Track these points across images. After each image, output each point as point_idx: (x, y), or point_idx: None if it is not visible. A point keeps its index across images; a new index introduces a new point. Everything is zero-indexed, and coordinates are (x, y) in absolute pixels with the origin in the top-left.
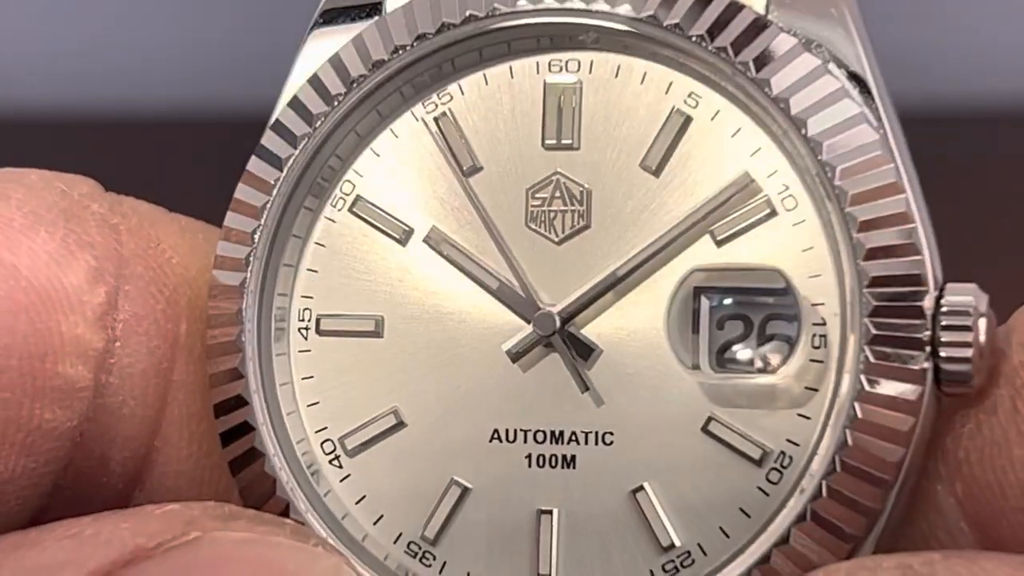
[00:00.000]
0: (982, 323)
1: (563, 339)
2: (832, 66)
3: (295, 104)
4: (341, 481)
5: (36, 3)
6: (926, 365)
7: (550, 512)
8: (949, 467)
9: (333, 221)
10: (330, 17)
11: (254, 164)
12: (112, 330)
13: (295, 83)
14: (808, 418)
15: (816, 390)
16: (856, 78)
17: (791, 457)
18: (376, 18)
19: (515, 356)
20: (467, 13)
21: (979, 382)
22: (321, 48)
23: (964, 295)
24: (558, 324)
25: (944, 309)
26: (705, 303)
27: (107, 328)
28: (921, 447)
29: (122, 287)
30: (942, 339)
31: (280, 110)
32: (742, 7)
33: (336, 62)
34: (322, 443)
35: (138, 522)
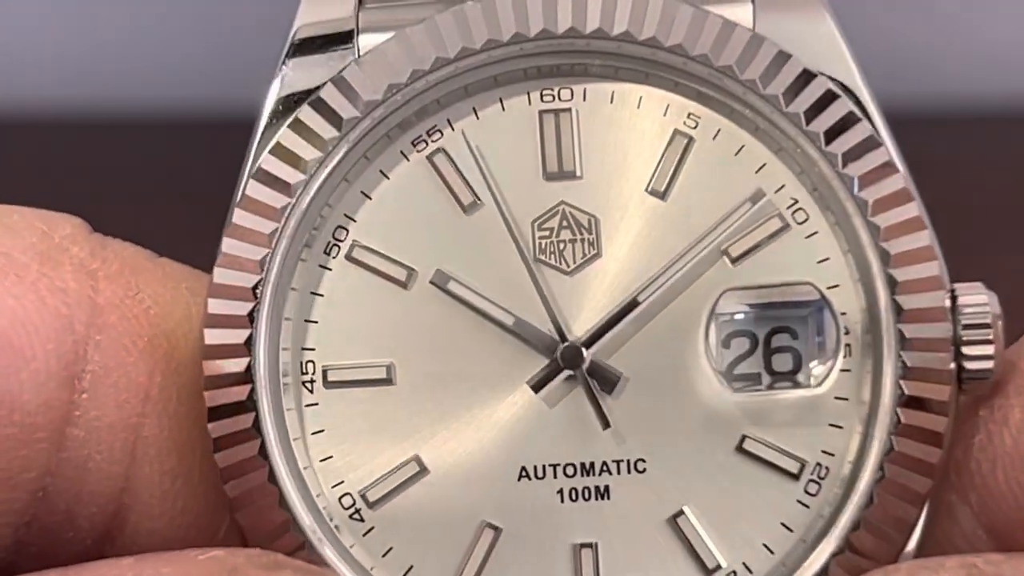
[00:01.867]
0: (998, 319)
1: (587, 370)
2: (830, 77)
3: (280, 151)
4: (364, 535)
5: (37, 3)
6: (952, 365)
7: (589, 545)
8: (962, 478)
9: (329, 269)
10: (302, 48)
11: (243, 217)
12: (79, 381)
13: (272, 123)
14: (840, 428)
15: (846, 399)
16: (844, 86)
17: (827, 468)
18: (351, 55)
19: (537, 389)
20: (435, 56)
21: (995, 379)
22: (294, 80)
23: (979, 294)
24: (585, 355)
25: (964, 309)
26: (721, 322)
27: (73, 379)
28: (947, 447)
29: (93, 336)
30: (964, 338)
31: (264, 158)
32: (735, 25)
33: (322, 106)
34: (340, 498)
35: (180, 567)
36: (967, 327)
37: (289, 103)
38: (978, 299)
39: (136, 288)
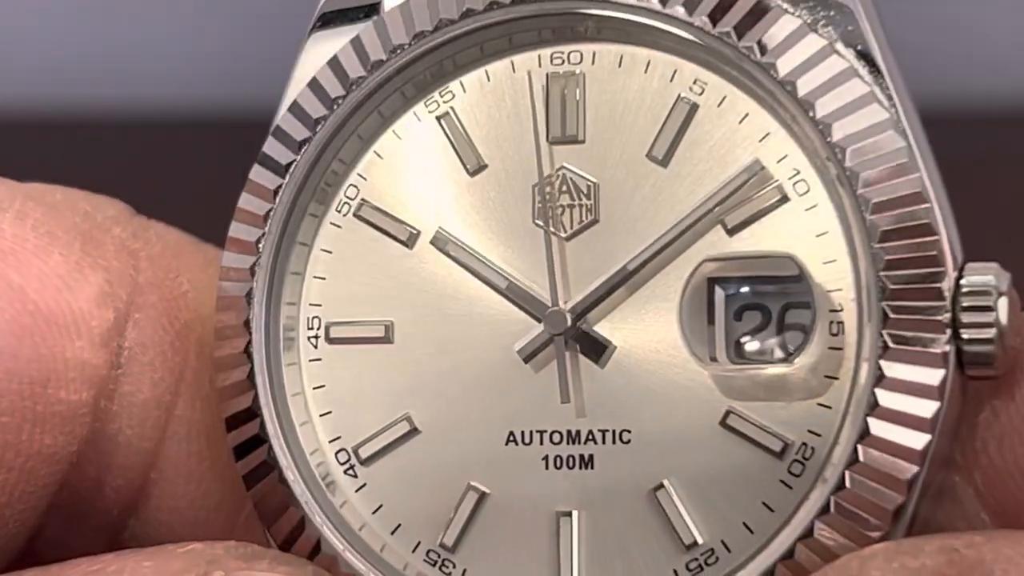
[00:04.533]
0: (1003, 302)
1: (575, 337)
2: (839, 45)
3: (295, 109)
4: (357, 491)
5: (37, 3)
6: (947, 348)
7: (569, 514)
8: (967, 457)
9: (339, 227)
10: (328, 20)
11: (256, 172)
12: (116, 356)
13: (295, 87)
14: (829, 407)
15: (836, 378)
16: (865, 56)
17: (813, 448)
18: (375, 18)
19: (527, 356)
20: (465, 8)
21: (1004, 364)
22: (320, 51)
23: (984, 275)
24: (569, 322)
25: (964, 290)
26: (720, 293)
27: (111, 354)
28: (947, 434)
29: (132, 314)
30: (963, 320)
31: (282, 115)
32: None
33: (335, 64)
34: (336, 453)
35: (161, 561)
36: (966, 309)
37: (316, 64)
38: (981, 279)
39: (176, 271)
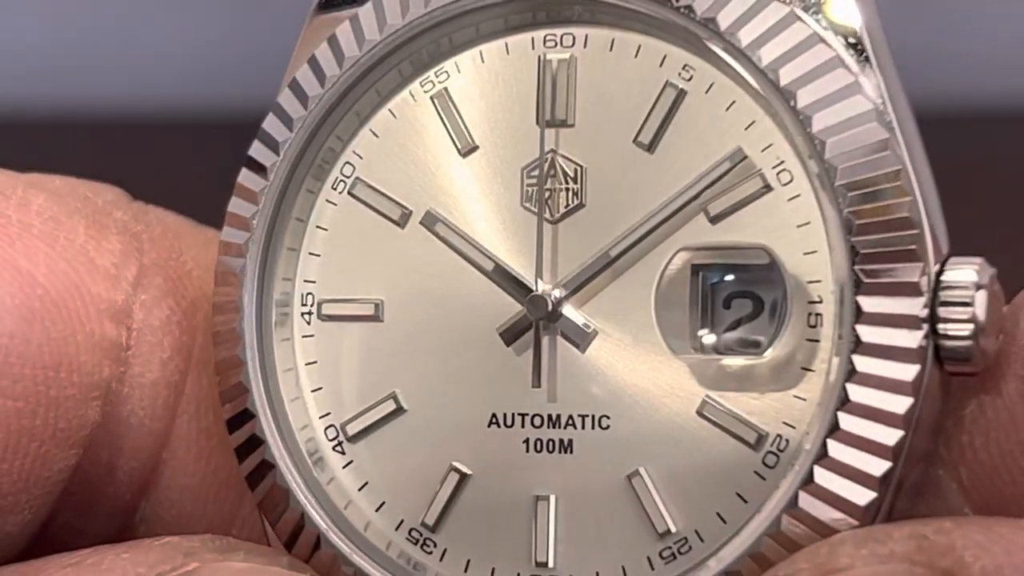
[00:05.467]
0: (980, 296)
1: (556, 321)
2: (828, 34)
3: (294, 87)
4: (344, 468)
5: (36, 3)
6: (924, 343)
7: (547, 498)
8: (952, 451)
9: (334, 204)
10: (329, 2)
11: (255, 149)
12: (126, 338)
13: (295, 67)
14: (804, 399)
15: (811, 370)
16: (854, 45)
17: (787, 440)
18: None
19: (509, 338)
20: None
21: (983, 361)
22: (321, 33)
23: (965, 268)
24: (551, 306)
25: (943, 284)
26: (703, 281)
27: (121, 337)
28: (926, 430)
29: (139, 296)
30: (940, 315)
31: (281, 93)
32: None
33: (333, 43)
34: (326, 429)
35: (138, 553)
36: (944, 303)
37: (315, 41)
38: (960, 274)
39: (179, 251)
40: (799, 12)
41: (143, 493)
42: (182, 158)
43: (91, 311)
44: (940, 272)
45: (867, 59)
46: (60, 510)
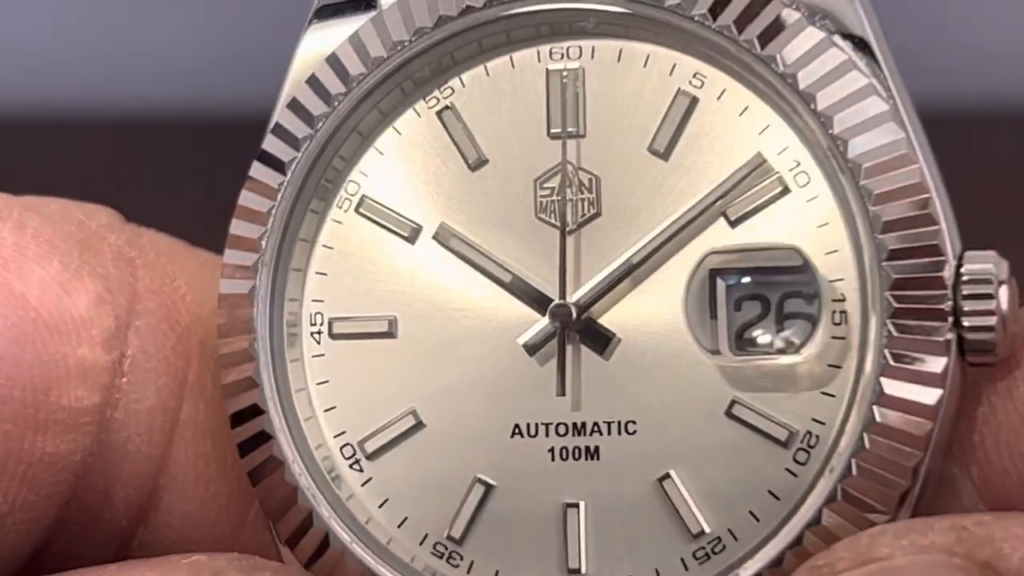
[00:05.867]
0: (1003, 290)
1: (580, 330)
2: (837, 38)
3: (294, 106)
4: (362, 485)
5: (36, 3)
6: (950, 336)
7: (576, 505)
8: (964, 450)
9: (340, 223)
10: (325, 14)
11: (257, 169)
12: (119, 365)
13: (294, 81)
14: (833, 396)
15: (839, 367)
16: (862, 48)
17: (818, 436)
18: (372, 13)
19: (532, 349)
20: (464, 5)
21: (1003, 351)
22: (318, 46)
23: (984, 263)
24: (575, 315)
25: (964, 278)
26: (722, 285)
27: (114, 363)
28: (948, 420)
29: (133, 322)
30: (964, 308)
31: (279, 112)
32: None
33: (334, 61)
34: (341, 447)
35: (165, 571)
36: (967, 297)
37: (312, 60)
38: (981, 267)
39: (173, 276)
40: (808, 18)
41: (140, 519)
42: (181, 158)
43: (83, 335)
44: (959, 266)
45: (876, 61)
46: (55, 538)
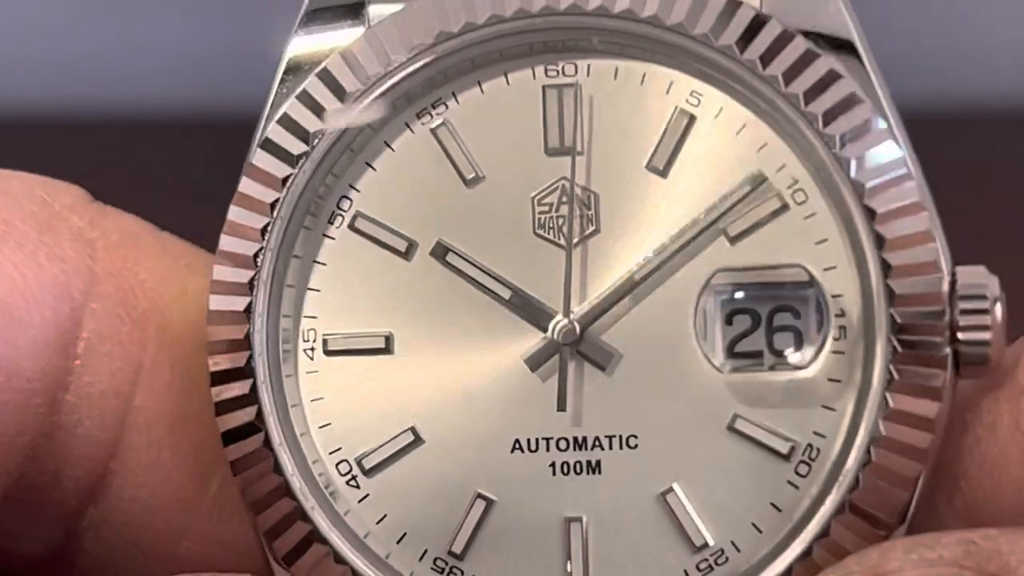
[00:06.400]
0: (997, 304)
1: (581, 346)
2: (832, 57)
3: (286, 122)
4: (360, 502)
5: (36, 3)
6: (948, 350)
7: (578, 519)
8: (948, 481)
9: (332, 238)
10: (313, 18)
11: (248, 185)
12: (73, 347)
13: (281, 95)
14: (833, 409)
15: (839, 381)
16: (855, 62)
17: (819, 449)
18: (362, 28)
19: (533, 365)
20: (464, 22)
21: (995, 364)
22: (306, 52)
23: (978, 278)
24: (577, 331)
25: (960, 293)
26: (716, 300)
27: (68, 346)
28: (942, 431)
29: (88, 305)
30: (960, 323)
31: (270, 127)
32: (739, 3)
33: (326, 77)
34: (337, 464)
35: None
36: (964, 312)
37: (299, 73)
38: (977, 282)
39: (133, 260)
40: (805, 37)
41: (90, 501)
42: (183, 158)
43: (35, 317)
44: (953, 281)
45: (868, 76)
46: (2, 515)
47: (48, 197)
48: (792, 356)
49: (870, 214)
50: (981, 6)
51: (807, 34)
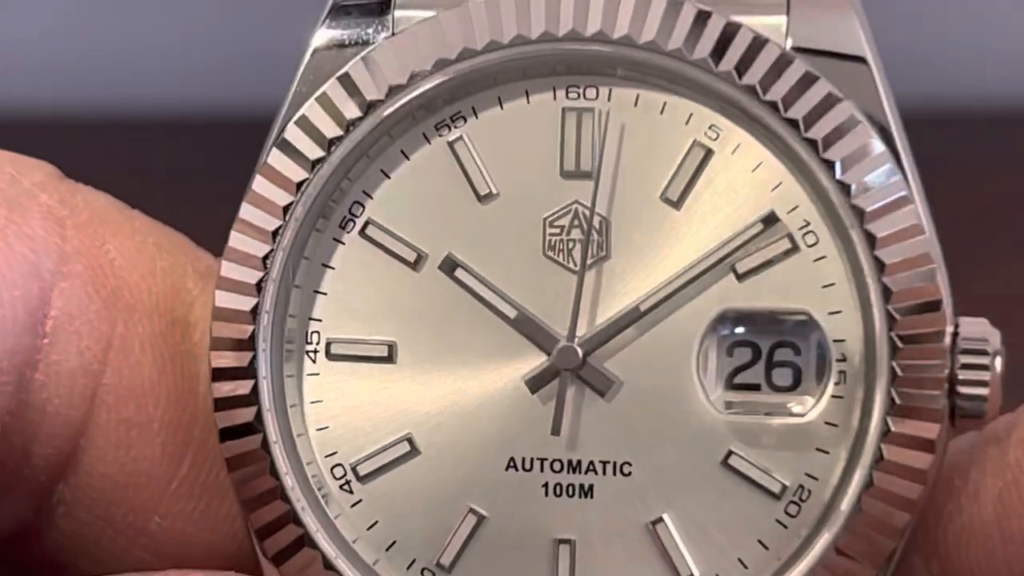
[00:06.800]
0: (998, 360)
1: (583, 371)
2: (853, 103)
3: (304, 124)
4: (352, 507)
5: (36, 3)
6: (945, 402)
7: (568, 541)
8: (928, 543)
9: (342, 243)
10: (337, 16)
11: (261, 184)
12: (41, 326)
13: (304, 88)
14: (827, 453)
15: (836, 425)
16: (873, 119)
17: (810, 491)
18: (383, 31)
19: (534, 387)
20: (488, 40)
21: (991, 417)
22: (329, 50)
23: (980, 331)
24: (580, 356)
25: (962, 347)
26: (717, 336)
27: (37, 324)
28: (933, 480)
29: (57, 283)
30: (960, 377)
31: (289, 128)
32: (766, 41)
33: (347, 82)
34: (332, 468)
35: None
36: (964, 366)
37: (321, 71)
38: (979, 336)
39: (103, 239)
40: (827, 81)
41: (60, 477)
42: (183, 158)
43: (3, 296)
44: (955, 334)
45: (887, 128)
46: None
47: (17, 174)
48: (801, 406)
49: (880, 265)
50: (981, 6)
51: (827, 53)
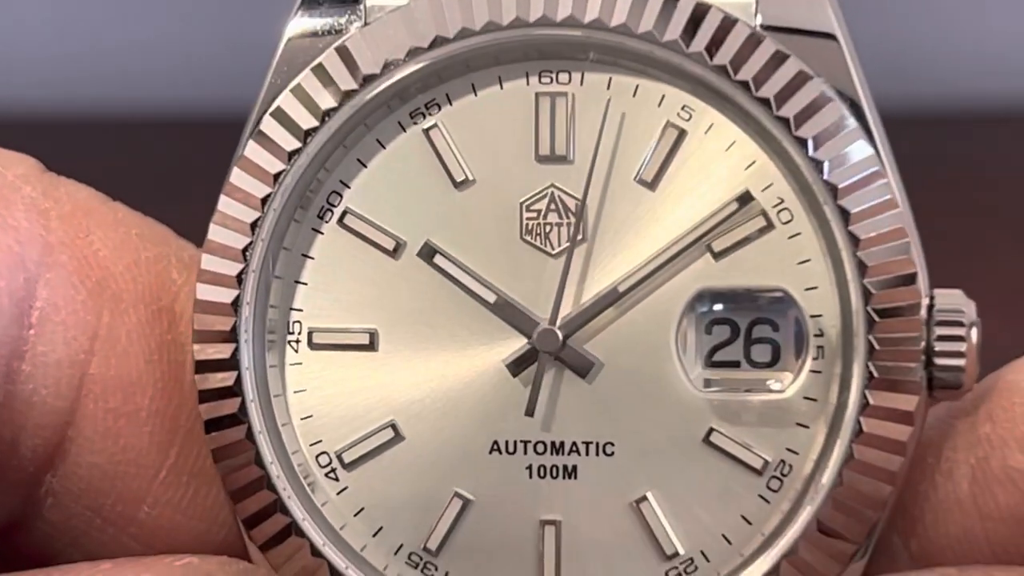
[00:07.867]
0: (974, 331)
1: (563, 354)
2: (824, 80)
3: (280, 115)
4: (338, 494)
5: (36, 3)
6: (922, 374)
7: (553, 522)
8: (905, 522)
9: (321, 233)
10: (310, 5)
11: (239, 177)
12: (27, 317)
13: (275, 83)
14: (807, 427)
15: (815, 400)
16: (844, 95)
17: (791, 466)
18: (356, 19)
19: (515, 370)
20: (460, 28)
21: (969, 387)
22: (303, 40)
23: (955, 302)
24: (560, 339)
25: (938, 318)
26: (696, 310)
27: (23, 315)
28: (912, 452)
29: (43, 275)
30: (936, 348)
31: (264, 120)
32: (736, 21)
33: (321, 73)
34: (317, 456)
35: (159, 572)
36: (940, 337)
37: (295, 62)
38: (954, 307)
39: (87, 230)
40: (798, 59)
41: (48, 468)
42: (183, 158)
43: None
44: (931, 306)
45: (858, 103)
46: None
47: (1, 167)
48: (780, 382)
49: (854, 240)
50: (981, 6)
51: (796, 31)
